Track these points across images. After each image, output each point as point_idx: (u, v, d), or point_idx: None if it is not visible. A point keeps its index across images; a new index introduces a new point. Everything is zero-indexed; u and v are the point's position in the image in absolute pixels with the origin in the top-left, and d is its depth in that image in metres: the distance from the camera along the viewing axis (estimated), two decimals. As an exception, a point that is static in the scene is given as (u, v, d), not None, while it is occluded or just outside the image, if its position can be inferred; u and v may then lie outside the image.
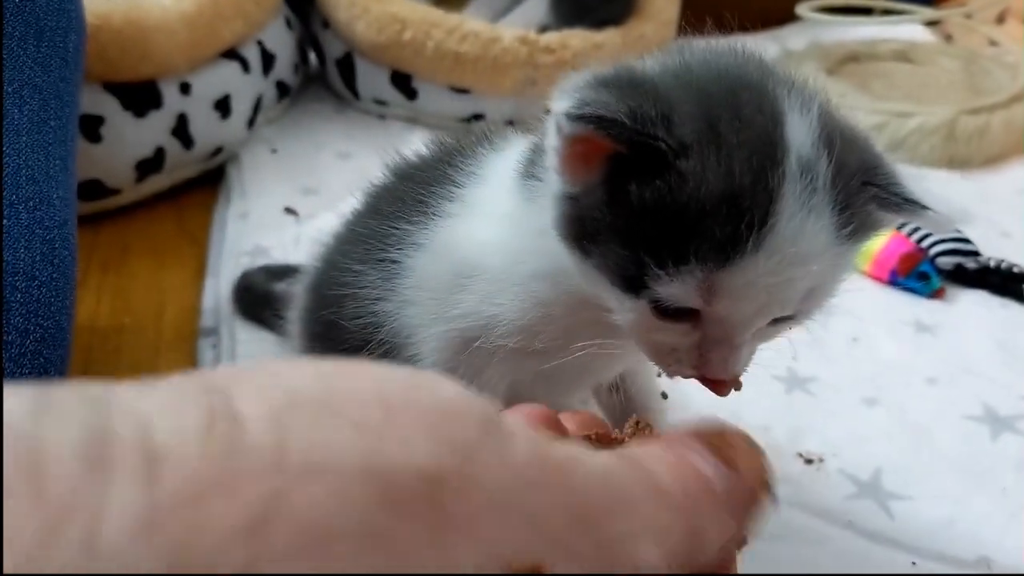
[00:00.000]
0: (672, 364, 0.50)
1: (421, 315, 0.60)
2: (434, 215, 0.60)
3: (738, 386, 0.51)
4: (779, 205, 0.43)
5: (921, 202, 0.46)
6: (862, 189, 0.46)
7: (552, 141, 0.46)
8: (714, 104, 0.44)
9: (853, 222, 0.46)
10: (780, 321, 0.49)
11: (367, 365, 0.25)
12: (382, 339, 0.63)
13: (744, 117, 0.44)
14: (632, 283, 0.46)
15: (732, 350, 0.48)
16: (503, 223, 0.56)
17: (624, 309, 0.48)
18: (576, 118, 0.42)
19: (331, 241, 0.73)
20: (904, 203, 0.47)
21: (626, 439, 0.38)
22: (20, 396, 0.20)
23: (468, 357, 0.58)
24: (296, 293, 0.77)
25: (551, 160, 0.47)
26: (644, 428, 0.39)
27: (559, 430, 0.37)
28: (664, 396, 0.80)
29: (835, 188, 0.45)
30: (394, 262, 0.61)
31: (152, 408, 0.21)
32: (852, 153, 0.47)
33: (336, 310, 0.65)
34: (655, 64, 0.49)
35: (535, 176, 0.54)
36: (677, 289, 0.45)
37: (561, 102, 0.43)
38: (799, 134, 0.45)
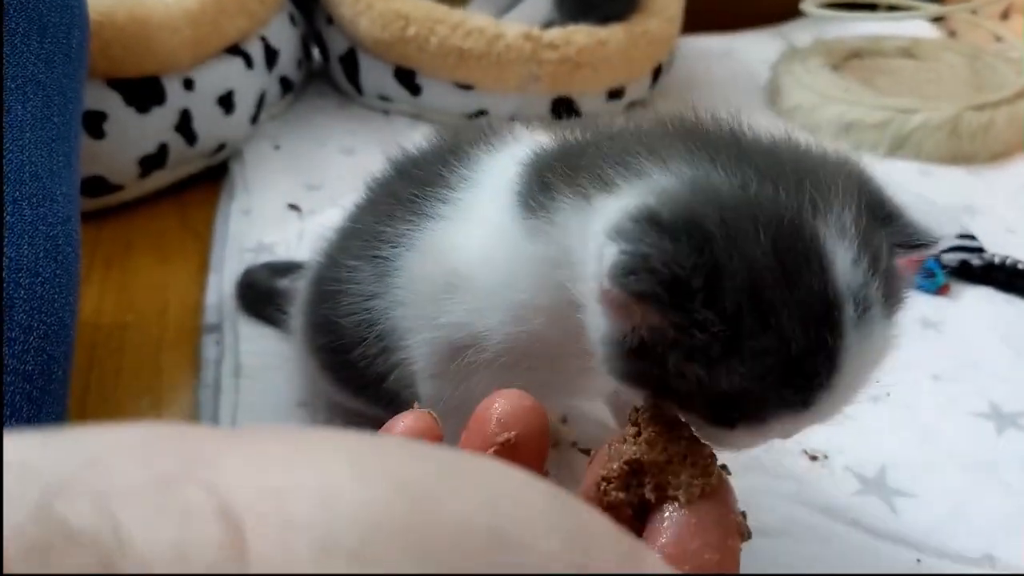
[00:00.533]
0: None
1: (411, 318, 0.59)
2: (426, 216, 0.58)
3: None
4: (843, 350, 0.42)
5: (934, 234, 0.47)
6: (892, 259, 0.45)
7: (595, 288, 0.43)
8: (760, 264, 0.40)
9: (894, 298, 0.46)
10: None
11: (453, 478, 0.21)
12: (377, 336, 0.62)
13: (793, 271, 0.41)
14: (725, 422, 0.44)
15: None
16: (496, 237, 0.54)
17: (716, 434, 0.45)
18: (623, 286, 0.39)
19: (332, 235, 0.73)
20: (924, 244, 0.47)
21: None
22: None
23: (456, 365, 0.56)
24: (298, 288, 0.77)
25: (592, 293, 0.44)
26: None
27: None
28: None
29: (883, 292, 0.44)
30: (387, 259, 0.60)
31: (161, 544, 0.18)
32: (881, 237, 0.45)
33: (332, 305, 0.65)
34: (687, 185, 0.43)
35: (534, 215, 0.51)
36: (766, 432, 0.45)
37: (610, 250, 0.39)
38: (845, 267, 0.42)
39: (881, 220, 0.46)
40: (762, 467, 0.76)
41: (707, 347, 0.40)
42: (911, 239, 0.46)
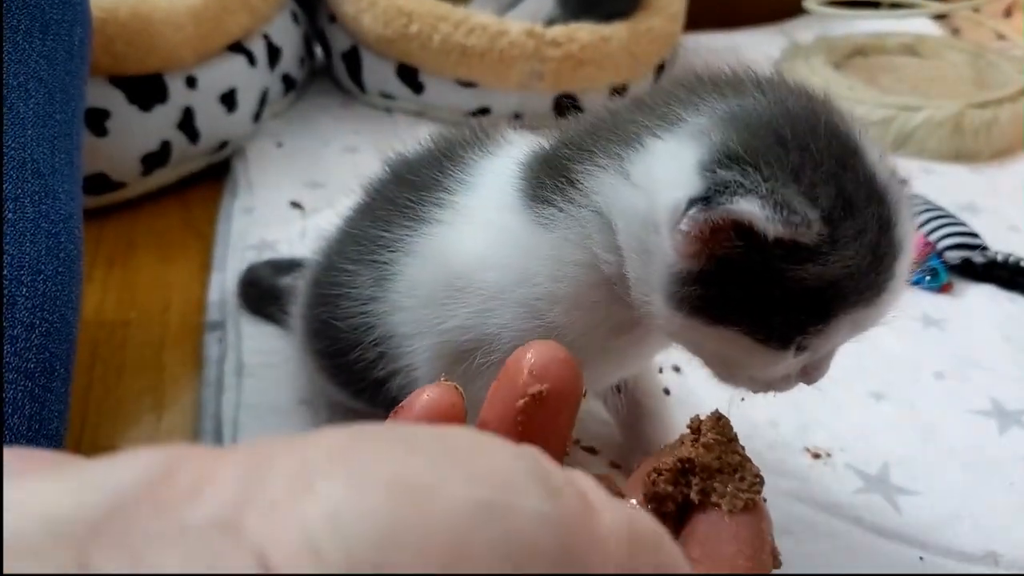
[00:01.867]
0: (783, 385, 0.53)
1: (412, 323, 0.59)
2: (424, 221, 0.58)
3: None
4: (903, 234, 0.48)
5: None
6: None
7: (684, 226, 0.45)
8: (832, 169, 0.45)
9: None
10: None
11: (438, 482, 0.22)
12: (374, 340, 0.62)
13: (853, 172, 0.46)
14: (785, 341, 0.48)
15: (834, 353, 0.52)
16: (500, 238, 0.55)
17: (767, 361, 0.49)
18: (780, 222, 0.42)
19: (329, 238, 0.72)
20: None
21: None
22: None
23: (462, 369, 0.56)
24: (298, 289, 0.77)
25: (677, 243, 0.46)
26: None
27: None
28: (667, 392, 0.80)
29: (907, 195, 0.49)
30: (385, 264, 0.60)
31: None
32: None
33: (330, 309, 0.65)
34: (740, 121, 0.47)
35: (548, 202, 0.53)
36: (831, 337, 0.48)
37: (737, 199, 0.43)
38: (877, 159, 0.48)
39: None
40: (764, 465, 0.76)
41: (814, 246, 0.44)
42: None
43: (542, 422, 0.34)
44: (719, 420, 0.40)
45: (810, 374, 0.53)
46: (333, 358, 0.68)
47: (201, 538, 0.19)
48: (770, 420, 0.82)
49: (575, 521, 0.22)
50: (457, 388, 0.35)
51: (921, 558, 0.70)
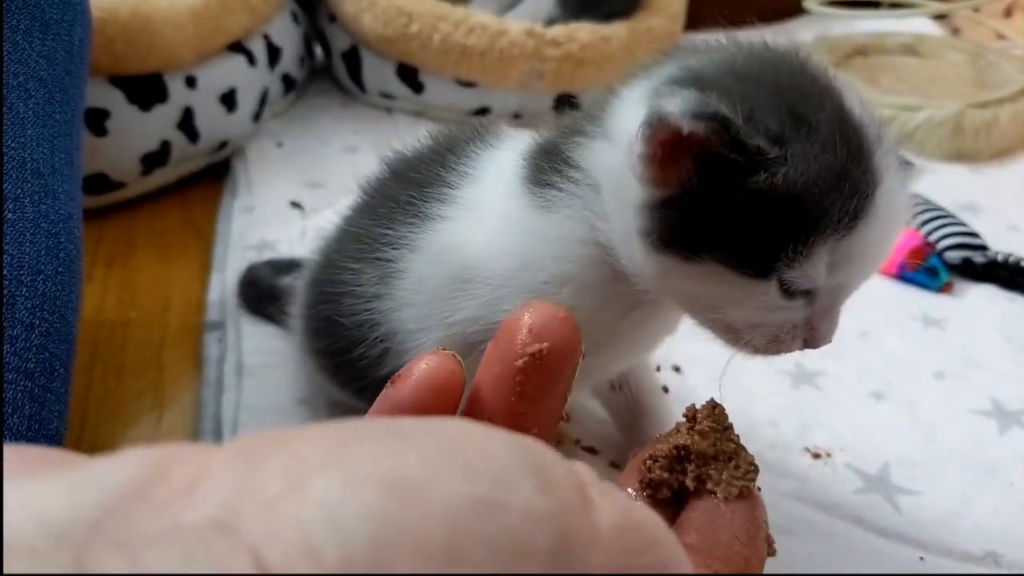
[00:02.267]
0: (785, 342, 0.53)
1: (418, 319, 0.59)
2: (428, 217, 0.59)
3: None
4: (879, 168, 0.48)
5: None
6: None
7: (638, 149, 0.46)
8: (785, 93, 0.47)
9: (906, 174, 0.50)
10: None
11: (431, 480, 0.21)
12: (379, 337, 0.62)
13: (815, 100, 0.47)
14: (763, 270, 0.48)
15: (837, 316, 0.53)
16: (506, 227, 0.55)
17: (751, 297, 0.50)
18: (698, 117, 0.44)
19: (329, 237, 0.72)
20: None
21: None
22: None
23: (469, 363, 0.57)
24: (297, 289, 0.77)
25: (637, 169, 0.47)
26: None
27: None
28: (665, 390, 0.80)
29: (895, 147, 0.49)
30: (389, 262, 0.60)
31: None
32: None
33: (334, 306, 0.65)
34: (701, 62, 0.51)
35: (549, 184, 0.54)
36: (809, 267, 0.48)
37: (668, 101, 0.44)
38: (856, 102, 0.49)
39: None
40: (765, 465, 0.76)
41: (764, 157, 0.45)
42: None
43: (541, 383, 0.34)
44: (715, 408, 0.40)
45: (813, 330, 0.52)
46: (334, 357, 0.68)
47: (198, 538, 0.19)
48: (770, 420, 0.82)
49: (571, 516, 0.22)
50: (455, 356, 0.35)
51: (921, 558, 0.70)
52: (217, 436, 0.80)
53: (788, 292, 0.49)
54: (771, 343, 0.52)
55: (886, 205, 0.48)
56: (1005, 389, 0.87)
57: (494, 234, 0.56)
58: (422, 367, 0.34)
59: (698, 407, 0.41)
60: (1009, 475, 0.78)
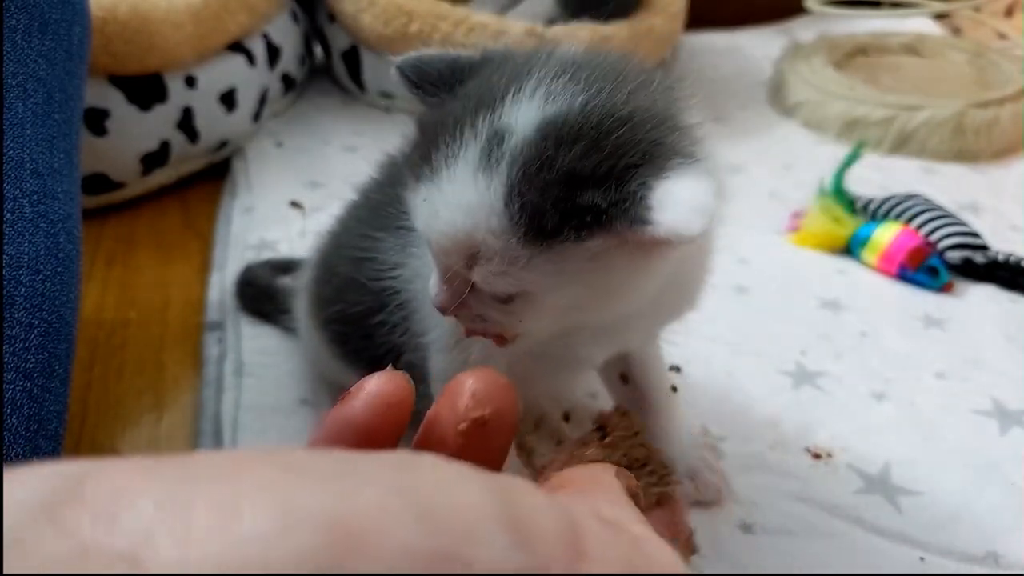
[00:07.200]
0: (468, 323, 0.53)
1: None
2: None
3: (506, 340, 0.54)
4: (458, 150, 0.47)
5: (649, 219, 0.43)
6: (568, 195, 0.45)
7: None
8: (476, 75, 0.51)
9: (545, 225, 0.45)
10: (509, 302, 0.50)
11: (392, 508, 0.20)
12: (399, 304, 0.62)
13: (487, 79, 0.49)
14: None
15: (468, 308, 0.51)
16: None
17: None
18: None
19: (349, 207, 0.73)
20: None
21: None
22: None
23: (466, 340, 0.57)
24: (308, 263, 0.77)
25: None
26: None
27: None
28: (674, 389, 0.79)
29: (523, 178, 0.45)
30: (410, 231, 0.60)
31: None
32: (580, 157, 0.45)
33: (353, 271, 0.65)
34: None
35: None
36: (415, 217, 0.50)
37: None
38: (521, 111, 0.46)
39: (592, 179, 0.45)
40: (765, 465, 0.76)
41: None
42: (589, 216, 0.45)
43: (479, 448, 0.34)
44: (624, 415, 0.40)
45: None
46: (350, 324, 0.68)
47: (105, 569, 0.18)
48: (771, 420, 0.82)
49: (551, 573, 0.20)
50: (406, 376, 0.34)
51: (922, 558, 0.70)
52: (217, 436, 0.80)
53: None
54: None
55: (446, 182, 0.47)
56: (1006, 389, 0.87)
57: None
58: (373, 383, 0.34)
59: (607, 413, 0.40)
60: (1010, 475, 0.78)
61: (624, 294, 0.50)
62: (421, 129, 0.51)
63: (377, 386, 0.34)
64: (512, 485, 0.22)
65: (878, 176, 1.23)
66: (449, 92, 0.51)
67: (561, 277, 0.48)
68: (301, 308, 0.79)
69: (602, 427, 0.39)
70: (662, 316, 0.63)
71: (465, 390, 0.34)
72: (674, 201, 0.43)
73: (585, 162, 0.44)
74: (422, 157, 0.49)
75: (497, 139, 0.46)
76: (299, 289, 0.79)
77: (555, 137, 0.45)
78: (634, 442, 0.38)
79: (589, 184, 0.44)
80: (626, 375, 0.72)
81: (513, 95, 0.47)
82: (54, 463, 0.20)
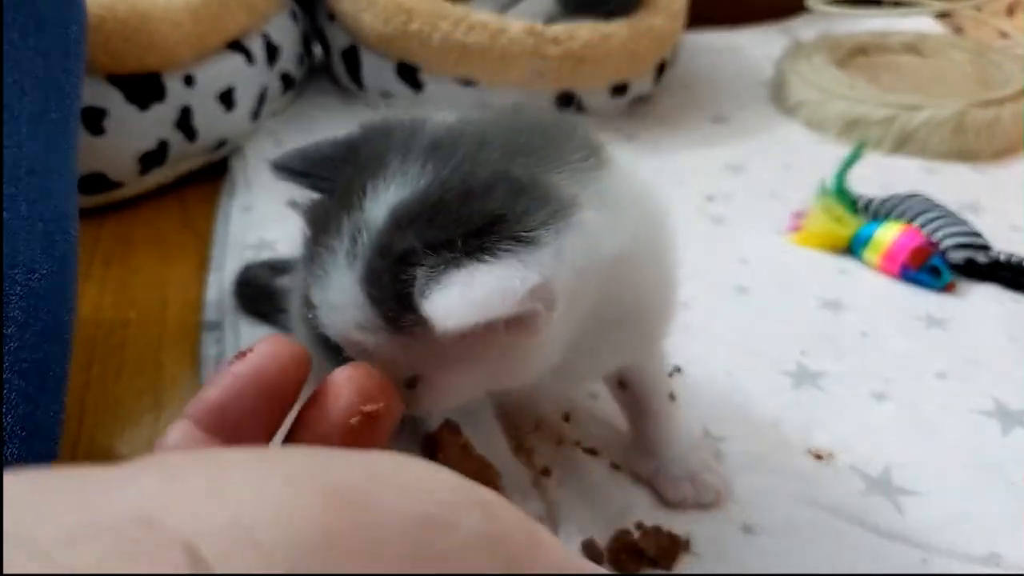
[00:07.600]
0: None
1: None
2: None
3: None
4: (330, 251, 0.46)
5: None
6: (400, 277, 0.44)
7: None
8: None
9: (390, 311, 0.45)
10: (413, 385, 0.49)
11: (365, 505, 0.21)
12: None
13: (353, 172, 0.49)
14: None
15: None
16: None
17: None
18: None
19: None
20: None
21: None
22: None
23: None
24: (296, 274, 0.77)
25: None
26: None
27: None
28: (672, 398, 0.79)
29: (370, 270, 0.45)
30: None
31: None
32: (414, 236, 0.44)
33: None
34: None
35: None
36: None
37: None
38: (377, 202, 0.46)
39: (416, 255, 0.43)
40: (766, 466, 0.76)
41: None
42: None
43: (365, 443, 0.34)
44: (452, 432, 0.39)
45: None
46: None
47: (118, 533, 0.18)
48: (771, 420, 0.81)
49: (519, 548, 0.22)
50: (297, 341, 0.35)
51: (924, 560, 0.70)
52: (215, 436, 0.79)
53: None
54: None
55: (320, 280, 0.47)
56: (1008, 389, 0.87)
57: None
58: (269, 341, 0.34)
59: (434, 432, 0.39)
60: (1012, 476, 0.77)
61: (519, 367, 0.49)
62: (308, 224, 0.51)
63: (273, 342, 0.34)
64: (475, 484, 0.24)
65: (879, 176, 1.22)
66: (337, 177, 0.50)
67: (443, 359, 0.47)
68: (294, 307, 0.78)
69: (431, 445, 0.39)
70: (619, 354, 0.62)
71: (350, 384, 0.34)
72: (451, 287, 0.41)
73: (416, 241, 0.43)
74: (311, 257, 0.48)
75: (359, 235, 0.45)
76: (292, 288, 0.79)
77: (395, 222, 0.45)
78: (464, 455, 0.38)
79: (415, 262, 0.43)
80: (624, 381, 0.71)
81: (370, 187, 0.46)
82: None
